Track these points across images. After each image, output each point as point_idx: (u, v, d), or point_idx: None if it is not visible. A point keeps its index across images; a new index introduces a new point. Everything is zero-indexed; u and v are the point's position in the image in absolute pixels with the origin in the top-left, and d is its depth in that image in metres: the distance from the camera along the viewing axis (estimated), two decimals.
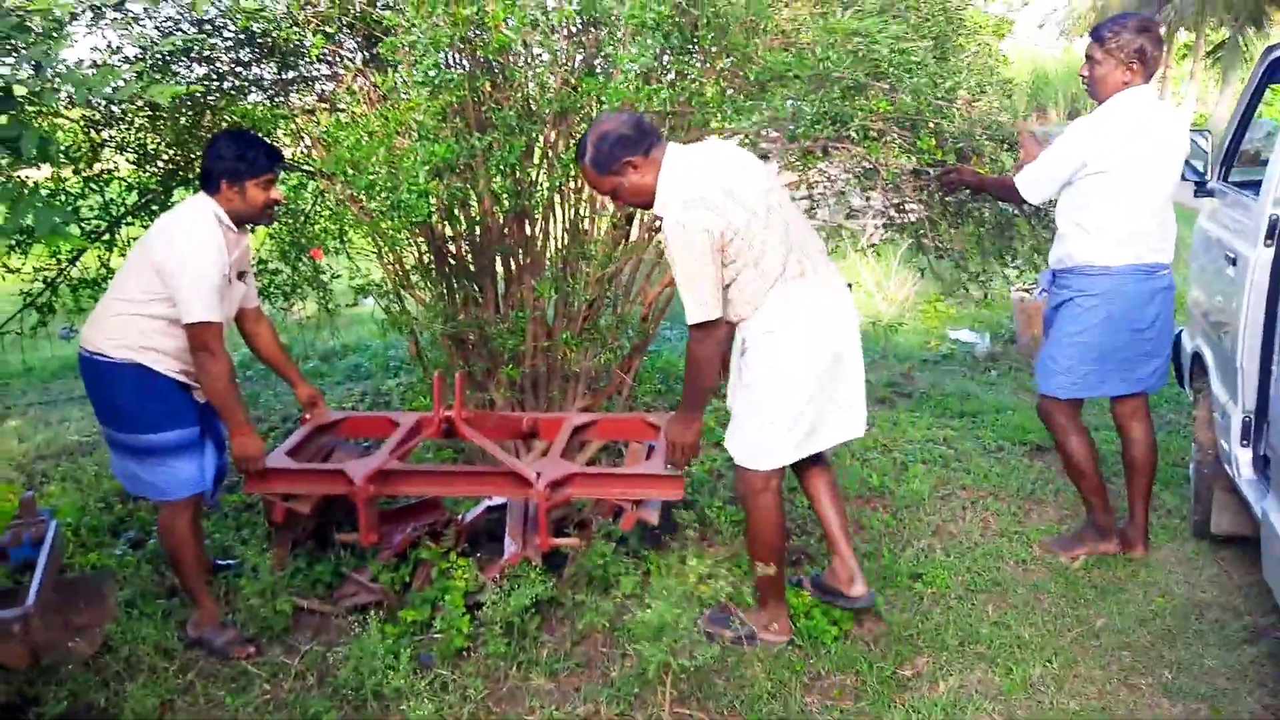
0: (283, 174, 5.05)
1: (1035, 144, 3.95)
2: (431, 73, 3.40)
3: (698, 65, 3.92)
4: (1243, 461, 3.54)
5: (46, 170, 4.59)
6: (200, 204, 3.33)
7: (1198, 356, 4.16)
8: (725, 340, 3.21)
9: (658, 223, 4.25)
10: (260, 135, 3.59)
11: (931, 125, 3.85)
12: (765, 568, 3.31)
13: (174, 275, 3.17)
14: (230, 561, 3.83)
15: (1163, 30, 22.80)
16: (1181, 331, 4.57)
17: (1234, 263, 3.68)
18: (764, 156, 4.29)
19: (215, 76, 4.46)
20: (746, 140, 4.19)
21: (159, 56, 4.11)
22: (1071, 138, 3.65)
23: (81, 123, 4.57)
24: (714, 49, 3.81)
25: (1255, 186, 3.72)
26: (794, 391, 3.15)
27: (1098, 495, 3.94)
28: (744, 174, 3.12)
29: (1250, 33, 20.77)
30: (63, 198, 4.61)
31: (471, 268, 4.38)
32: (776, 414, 3.17)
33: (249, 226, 3.50)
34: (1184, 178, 4.08)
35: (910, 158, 3.86)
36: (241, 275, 3.46)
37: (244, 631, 3.44)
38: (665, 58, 3.96)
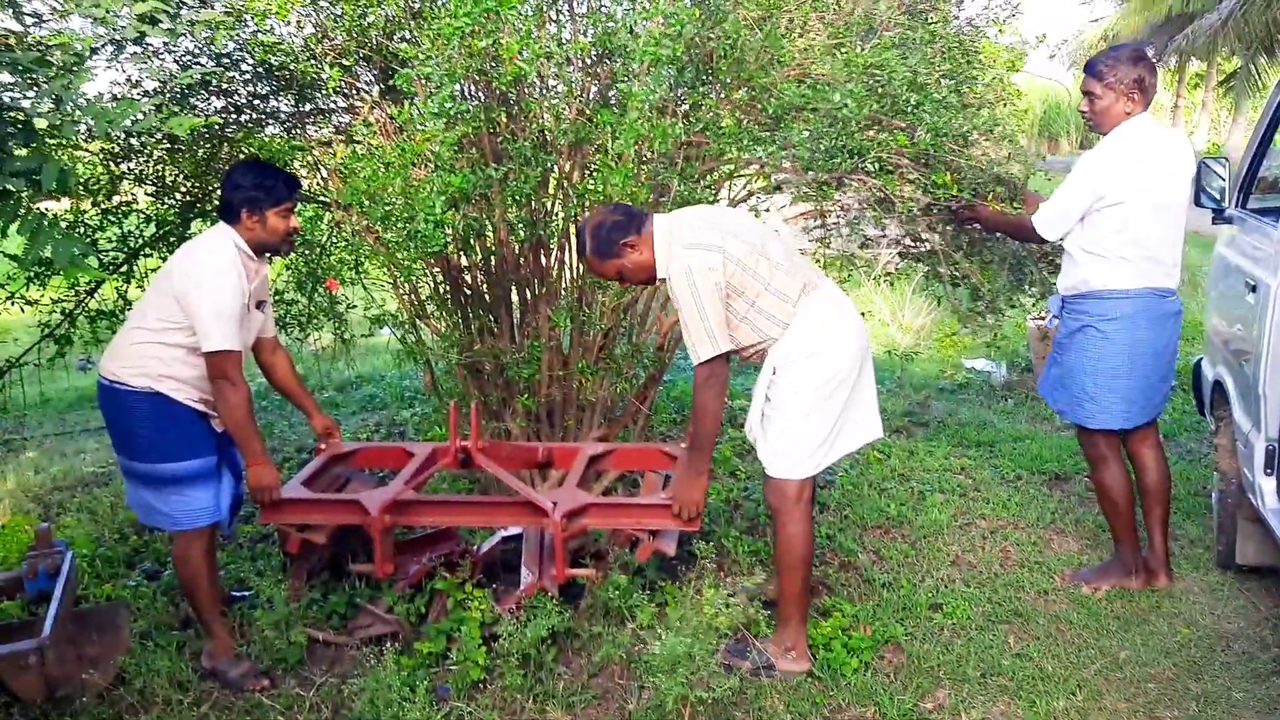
0: (299, 205, 5.11)
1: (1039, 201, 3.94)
2: (447, 104, 3.42)
3: (714, 97, 3.93)
4: (1267, 490, 3.50)
5: (66, 202, 4.63)
6: (220, 234, 3.35)
7: (1218, 384, 4.13)
8: (728, 382, 3.31)
9: None
10: (277, 164, 3.60)
11: (949, 163, 3.82)
12: (793, 581, 3.32)
13: (194, 303, 3.18)
14: (245, 593, 3.82)
15: (1174, 60, 22.88)
16: (1201, 359, 4.54)
17: (1254, 289, 3.65)
18: (778, 187, 4.31)
19: (233, 109, 4.50)
20: (761, 171, 4.20)
21: (178, 89, 4.15)
22: (1084, 173, 3.63)
23: (100, 155, 4.61)
24: (730, 80, 3.82)
25: (1274, 213, 3.71)
26: (828, 404, 3.27)
27: (1128, 531, 3.89)
28: (734, 215, 3.39)
29: (1262, 62, 20.78)
30: (81, 229, 4.64)
31: (487, 298, 4.38)
32: (812, 425, 3.27)
33: (267, 256, 3.51)
34: (1201, 204, 4.07)
35: (925, 192, 3.83)
36: (260, 305, 3.47)
37: (258, 663, 3.42)
38: (681, 90, 3.97)
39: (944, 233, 4.16)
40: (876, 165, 3.73)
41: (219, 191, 3.46)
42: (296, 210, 3.49)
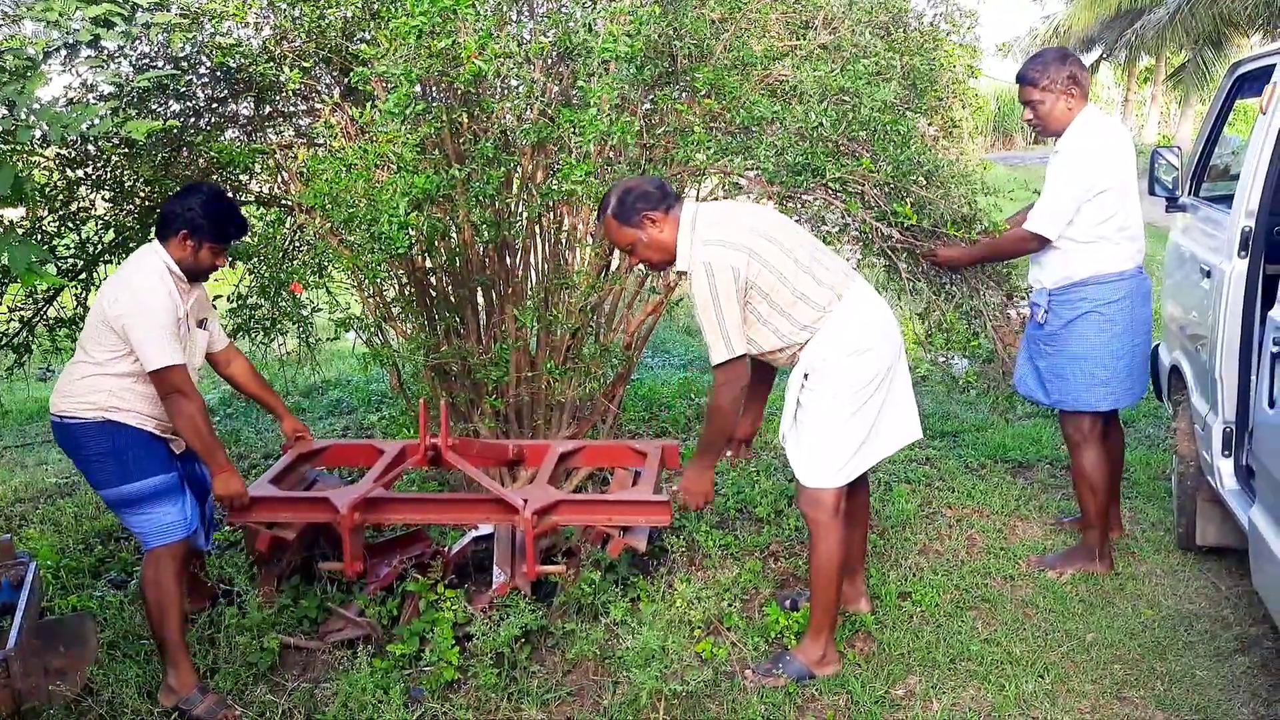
0: (260, 209, 5.06)
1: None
2: (405, 104, 3.41)
3: (682, 101, 3.95)
4: (1225, 472, 3.56)
5: (22, 209, 4.57)
6: (148, 254, 3.28)
7: (1175, 369, 4.20)
8: (747, 385, 3.25)
9: None
10: (235, 202, 3.46)
11: (912, 192, 3.87)
12: (829, 591, 3.30)
13: (129, 326, 3.13)
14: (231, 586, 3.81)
15: (1124, 55, 23.21)
16: (1158, 345, 4.61)
17: (1209, 275, 3.73)
18: (738, 187, 4.33)
19: (192, 113, 4.46)
20: (727, 177, 4.22)
21: (134, 93, 4.10)
22: (1070, 170, 3.68)
23: (56, 161, 4.55)
24: (700, 87, 3.82)
25: (1226, 201, 3.78)
26: (865, 407, 3.22)
27: (1101, 516, 3.96)
28: (764, 214, 3.30)
29: (1209, 55, 21.17)
30: (38, 236, 4.58)
31: (453, 299, 4.37)
32: (850, 430, 3.22)
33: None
34: (1155, 193, 4.15)
35: (882, 219, 3.87)
36: (202, 322, 3.43)
37: (228, 665, 3.38)
38: (641, 89, 3.98)
39: (902, 266, 4.16)
40: (839, 185, 3.77)
41: (167, 202, 3.36)
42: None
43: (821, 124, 3.65)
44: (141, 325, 3.12)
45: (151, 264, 3.24)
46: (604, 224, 3.28)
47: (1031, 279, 3.94)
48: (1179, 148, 4.15)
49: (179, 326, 3.21)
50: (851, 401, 3.19)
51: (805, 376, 3.23)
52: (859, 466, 3.29)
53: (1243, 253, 3.46)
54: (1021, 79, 3.79)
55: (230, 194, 3.55)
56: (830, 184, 3.81)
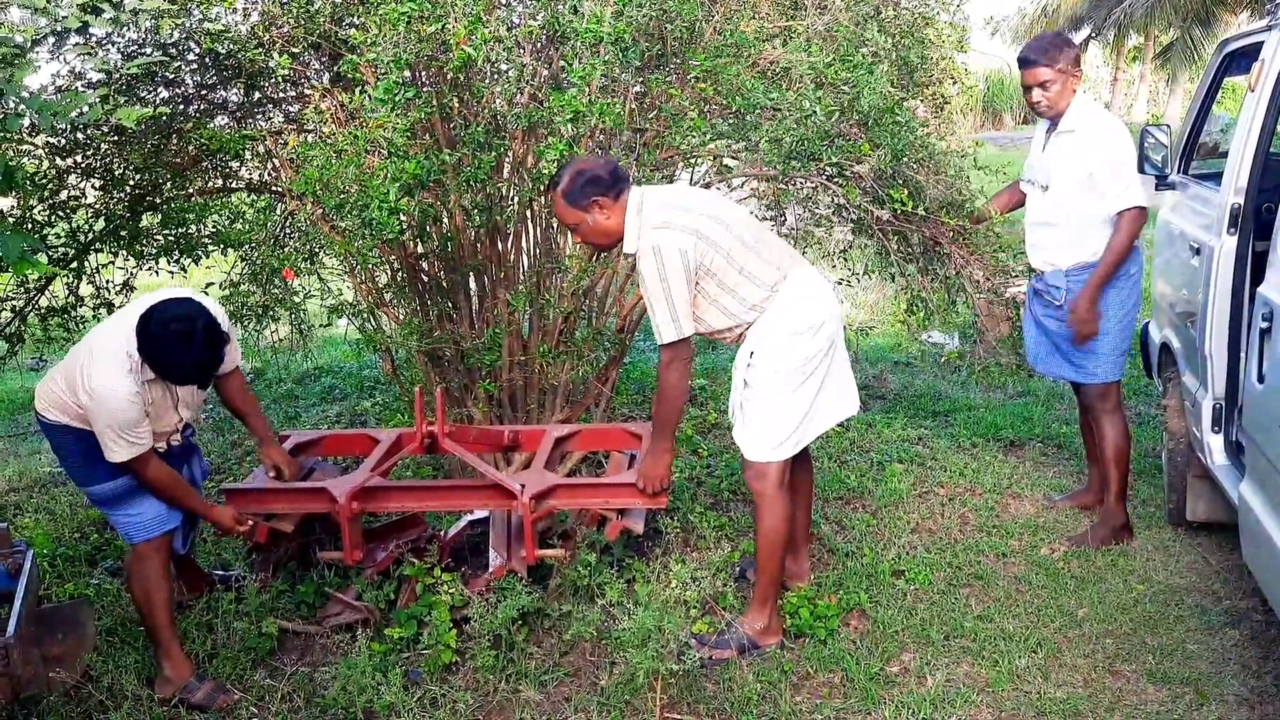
0: (251, 195, 5.04)
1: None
2: (394, 90, 3.41)
3: (675, 87, 3.94)
4: (1215, 448, 3.59)
5: (13, 198, 4.55)
6: (124, 343, 3.07)
7: (1165, 347, 4.23)
8: (693, 363, 3.33)
9: None
10: (187, 354, 3.02)
11: (908, 179, 3.90)
12: (774, 562, 3.37)
13: (91, 418, 3.06)
14: (229, 572, 3.82)
15: (1112, 34, 23.26)
16: (1148, 323, 4.64)
17: (1198, 253, 3.75)
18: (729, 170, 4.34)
19: (181, 99, 4.45)
20: (717, 160, 4.22)
21: (123, 80, 4.08)
22: (1120, 148, 3.77)
23: (46, 149, 4.53)
24: (695, 75, 3.81)
25: (1215, 178, 3.80)
26: (806, 383, 3.29)
27: (1124, 483, 4.05)
28: (707, 196, 3.38)
29: (1198, 33, 21.18)
30: (29, 225, 4.56)
31: (445, 284, 4.37)
32: (792, 405, 3.29)
33: None
34: (1145, 171, 4.17)
35: (879, 204, 3.89)
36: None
37: (227, 650, 3.38)
38: (629, 72, 3.97)
39: (893, 247, 4.19)
40: (835, 170, 3.78)
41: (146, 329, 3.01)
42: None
43: (815, 112, 3.66)
44: (99, 423, 3.04)
45: (119, 361, 3.05)
46: (552, 199, 3.32)
47: (1038, 263, 3.97)
48: (1168, 126, 4.17)
49: (143, 419, 3.08)
50: (794, 377, 3.26)
51: (750, 354, 3.30)
52: (802, 440, 3.36)
53: (1232, 230, 3.48)
54: (1033, 62, 3.83)
55: (194, 337, 3.01)
56: (827, 168, 3.82)
